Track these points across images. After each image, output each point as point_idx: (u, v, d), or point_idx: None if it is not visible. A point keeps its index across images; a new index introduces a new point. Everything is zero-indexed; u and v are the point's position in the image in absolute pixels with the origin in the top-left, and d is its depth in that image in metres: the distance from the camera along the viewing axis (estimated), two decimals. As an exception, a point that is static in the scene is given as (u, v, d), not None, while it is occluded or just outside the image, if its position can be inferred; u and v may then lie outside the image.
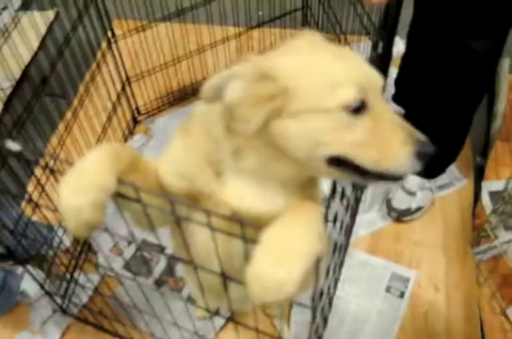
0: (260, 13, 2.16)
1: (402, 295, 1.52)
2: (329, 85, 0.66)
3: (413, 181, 1.67)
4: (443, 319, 1.48)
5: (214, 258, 0.76)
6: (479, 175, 1.77)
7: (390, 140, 0.69)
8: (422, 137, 0.71)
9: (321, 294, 0.89)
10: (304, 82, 0.67)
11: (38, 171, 1.54)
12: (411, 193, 1.67)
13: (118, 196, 0.69)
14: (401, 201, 1.67)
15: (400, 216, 1.66)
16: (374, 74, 0.71)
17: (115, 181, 0.68)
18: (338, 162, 0.70)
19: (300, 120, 0.67)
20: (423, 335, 1.45)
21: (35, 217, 1.42)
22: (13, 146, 0.88)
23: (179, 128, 0.84)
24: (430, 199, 1.69)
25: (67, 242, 1.60)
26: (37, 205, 1.35)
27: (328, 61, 0.70)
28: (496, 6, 1.24)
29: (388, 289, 1.53)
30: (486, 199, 1.69)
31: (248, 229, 0.63)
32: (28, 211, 1.43)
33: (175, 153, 0.82)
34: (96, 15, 1.71)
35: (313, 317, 0.98)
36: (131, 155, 0.75)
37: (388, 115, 0.70)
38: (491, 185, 1.71)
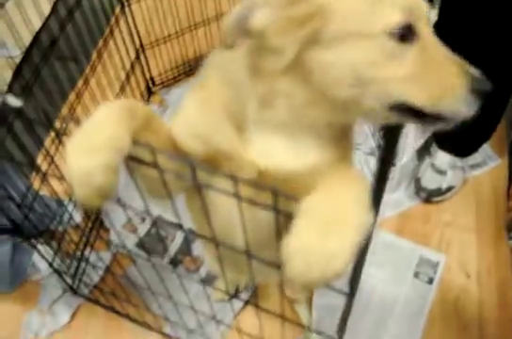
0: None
1: (431, 281, 1.40)
2: (373, 5, 0.55)
3: (444, 159, 1.55)
4: (475, 307, 1.36)
5: (237, 231, 0.66)
6: (514, 152, 1.63)
7: (444, 74, 0.59)
8: (476, 72, 0.59)
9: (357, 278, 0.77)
10: (343, 1, 0.56)
11: (47, 141, 1.44)
12: (442, 172, 1.55)
13: (132, 159, 0.58)
14: (431, 181, 1.54)
15: (429, 196, 1.54)
16: (421, 0, 0.59)
17: (129, 140, 0.57)
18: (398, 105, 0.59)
19: (340, 48, 0.56)
20: (452, 323, 1.34)
21: (44, 191, 1.31)
22: (14, 101, 0.77)
23: (192, 84, 0.71)
24: (462, 178, 1.56)
25: (77, 217, 1.49)
26: (45, 176, 1.24)
27: None
28: None
29: (416, 275, 1.41)
30: (521, 179, 1.56)
31: (280, 197, 0.51)
32: (36, 184, 1.31)
33: (188, 111, 0.71)
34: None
35: (349, 305, 0.85)
36: (145, 112, 0.64)
37: (438, 46, 0.60)
38: (528, 164, 1.58)
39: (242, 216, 0.60)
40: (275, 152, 0.65)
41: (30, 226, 1.22)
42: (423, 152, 1.62)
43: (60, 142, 1.34)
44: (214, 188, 0.58)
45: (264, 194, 0.52)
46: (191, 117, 0.70)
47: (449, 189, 1.54)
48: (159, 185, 0.62)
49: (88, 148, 0.55)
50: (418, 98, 0.58)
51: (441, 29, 0.68)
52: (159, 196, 0.72)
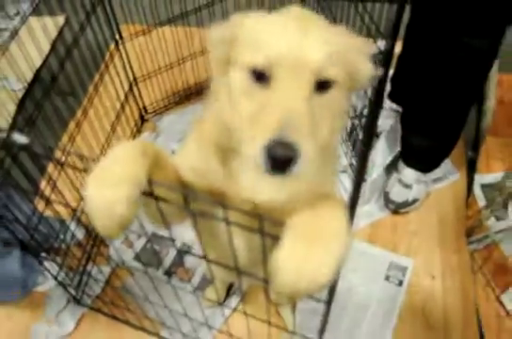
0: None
1: (400, 283, 1.51)
2: (255, 45, 0.62)
3: (409, 174, 1.67)
4: (440, 306, 1.47)
5: (236, 249, 0.71)
6: (471, 169, 1.76)
7: (262, 122, 0.59)
8: (286, 138, 0.56)
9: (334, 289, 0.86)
10: (244, 35, 0.64)
11: (49, 167, 1.54)
12: (408, 186, 1.66)
13: (147, 194, 0.63)
14: (398, 194, 1.66)
15: (397, 208, 1.65)
16: (304, 56, 0.60)
17: (146, 176, 0.62)
18: None
19: (234, 70, 0.65)
20: (421, 322, 1.44)
21: (47, 212, 1.41)
22: (20, 138, 0.84)
23: (194, 120, 0.79)
24: (425, 191, 1.68)
25: (79, 236, 1.58)
26: (48, 201, 1.34)
27: (275, 25, 0.64)
28: (493, 4, 1.22)
29: (387, 278, 1.52)
30: (478, 191, 1.68)
31: (267, 223, 0.57)
32: (40, 206, 1.42)
33: (187, 147, 0.78)
34: (104, 18, 1.69)
35: (327, 311, 0.91)
36: (155, 151, 0.69)
37: (283, 98, 0.59)
38: (483, 177, 1.71)
39: (230, 238, 0.67)
40: (262, 186, 0.67)
41: (36, 244, 1.32)
42: (390, 168, 1.74)
43: (62, 169, 1.45)
44: (208, 216, 0.67)
45: (255, 220, 0.57)
46: (189, 153, 0.76)
47: (414, 201, 1.65)
48: (160, 214, 0.68)
49: (111, 182, 0.59)
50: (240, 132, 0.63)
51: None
52: (160, 224, 0.74)
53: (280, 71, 0.60)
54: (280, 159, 0.56)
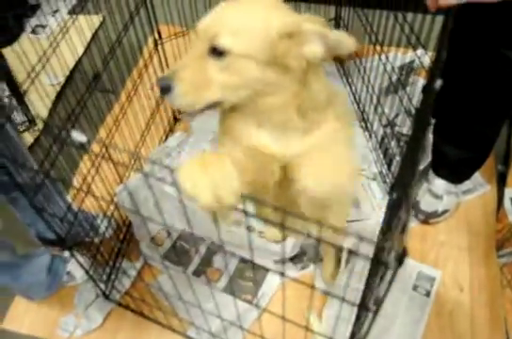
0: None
1: (428, 294, 1.44)
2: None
3: (440, 185, 1.60)
4: (468, 319, 1.39)
5: None
6: (501, 182, 1.67)
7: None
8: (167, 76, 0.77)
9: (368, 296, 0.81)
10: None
11: (85, 161, 1.49)
12: (438, 196, 1.59)
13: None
14: (428, 204, 1.59)
15: (427, 218, 1.58)
16: (206, 26, 0.75)
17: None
18: None
19: None
20: (447, 334, 1.37)
21: (81, 206, 1.35)
22: (79, 137, 0.81)
23: None
24: (456, 202, 1.60)
25: (111, 230, 1.52)
26: (86, 194, 1.28)
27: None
28: None
29: (415, 288, 1.45)
30: (508, 204, 1.60)
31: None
32: (73, 199, 1.37)
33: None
34: (146, 19, 1.64)
35: (359, 316, 0.88)
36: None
37: (184, 56, 0.79)
38: (513, 191, 1.62)
39: None
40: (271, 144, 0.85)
41: (70, 238, 1.26)
42: (420, 178, 1.67)
43: (99, 164, 1.40)
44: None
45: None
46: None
47: (444, 212, 1.58)
48: None
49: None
50: None
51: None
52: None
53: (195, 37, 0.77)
54: (161, 87, 0.76)
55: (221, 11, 0.75)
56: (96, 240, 1.45)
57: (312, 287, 1.32)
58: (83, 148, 0.84)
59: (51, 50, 1.24)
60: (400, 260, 0.86)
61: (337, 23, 2.02)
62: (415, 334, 1.36)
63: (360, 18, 1.79)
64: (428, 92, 0.61)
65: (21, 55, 1.64)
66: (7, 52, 1.94)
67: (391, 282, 0.91)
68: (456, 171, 1.59)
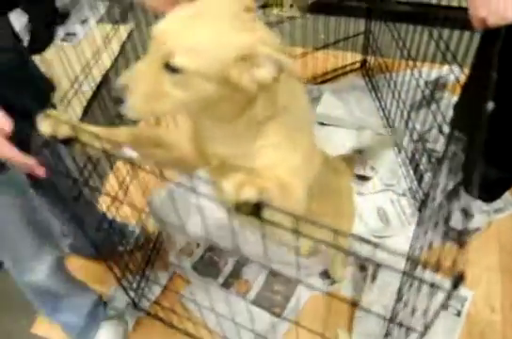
0: (322, 36, 2.06)
1: (459, 314, 1.39)
2: None
3: (471, 203, 1.55)
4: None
5: None
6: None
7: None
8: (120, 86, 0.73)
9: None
10: None
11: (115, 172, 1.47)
12: (469, 215, 1.56)
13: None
14: (459, 222, 1.54)
15: (458, 236, 1.54)
16: (163, 40, 0.72)
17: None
18: None
19: None
20: (479, 354, 1.32)
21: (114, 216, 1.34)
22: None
23: None
24: (486, 221, 1.56)
25: (142, 238, 1.50)
26: (121, 202, 1.26)
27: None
28: None
29: (445, 307, 1.40)
30: (541, 221, 1.56)
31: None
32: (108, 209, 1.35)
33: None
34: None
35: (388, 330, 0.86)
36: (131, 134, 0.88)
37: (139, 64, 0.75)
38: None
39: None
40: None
41: (105, 248, 1.24)
42: (451, 196, 1.63)
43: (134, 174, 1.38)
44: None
45: None
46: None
47: (475, 230, 1.54)
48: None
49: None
50: None
51: None
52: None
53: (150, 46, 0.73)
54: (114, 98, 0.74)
55: (178, 21, 0.72)
56: (127, 249, 1.43)
57: (342, 301, 1.30)
58: (130, 161, 0.82)
59: (93, 60, 1.22)
60: (455, 283, 0.82)
61: (366, 37, 1.99)
62: (446, 354, 1.32)
63: (391, 32, 1.76)
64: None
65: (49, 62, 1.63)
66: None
67: (443, 305, 0.87)
68: (488, 190, 1.55)
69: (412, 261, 1.26)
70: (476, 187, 1.55)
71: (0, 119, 0.74)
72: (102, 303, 1.37)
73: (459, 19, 1.34)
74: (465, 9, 1.08)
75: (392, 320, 0.80)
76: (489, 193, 1.55)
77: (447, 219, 1.56)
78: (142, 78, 0.73)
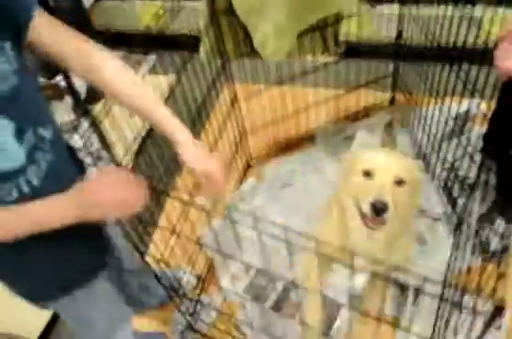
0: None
1: (499, 327, 1.39)
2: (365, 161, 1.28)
3: (503, 225, 1.59)
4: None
5: None
6: None
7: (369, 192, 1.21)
8: (383, 198, 1.17)
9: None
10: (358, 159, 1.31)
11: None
12: (501, 236, 1.58)
13: None
14: (491, 243, 1.58)
15: (490, 256, 1.56)
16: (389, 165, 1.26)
17: None
18: None
19: (354, 174, 1.28)
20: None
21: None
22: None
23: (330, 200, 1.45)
24: None
25: (193, 282, 1.61)
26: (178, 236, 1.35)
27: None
28: None
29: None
30: None
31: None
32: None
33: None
34: (225, 81, 1.78)
35: None
36: None
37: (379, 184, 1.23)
38: None
39: None
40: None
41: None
42: (484, 219, 1.65)
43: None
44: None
45: None
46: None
47: (506, 251, 1.55)
48: None
49: None
50: None
51: None
52: None
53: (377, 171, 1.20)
54: (379, 207, 1.12)
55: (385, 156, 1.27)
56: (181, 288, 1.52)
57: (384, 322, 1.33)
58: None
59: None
60: (496, 311, 0.83)
61: (394, 78, 2.09)
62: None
63: (416, 71, 1.85)
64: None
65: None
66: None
67: (484, 332, 0.90)
68: None
69: (449, 285, 1.29)
70: (507, 210, 1.58)
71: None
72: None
73: (476, 55, 1.41)
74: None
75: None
76: None
77: (486, 243, 1.58)
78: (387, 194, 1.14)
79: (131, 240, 1.09)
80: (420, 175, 1.25)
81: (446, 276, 1.51)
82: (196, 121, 1.64)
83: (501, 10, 1.98)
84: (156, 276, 1.19)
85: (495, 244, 1.57)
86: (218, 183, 0.92)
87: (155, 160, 1.64)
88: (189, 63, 1.63)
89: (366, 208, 1.13)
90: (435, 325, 1.23)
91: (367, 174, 1.18)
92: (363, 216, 1.17)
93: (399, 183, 1.16)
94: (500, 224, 1.60)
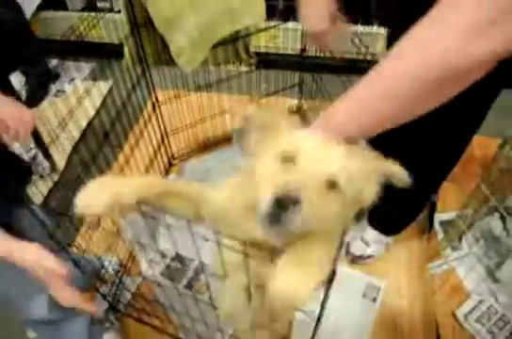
0: (263, 86, 2.36)
1: (375, 300, 1.62)
2: (289, 141, 0.73)
3: (371, 235, 1.70)
4: (406, 319, 1.59)
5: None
6: (432, 209, 1.89)
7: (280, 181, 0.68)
8: (293, 192, 0.63)
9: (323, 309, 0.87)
10: (281, 133, 0.76)
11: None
12: (367, 243, 1.70)
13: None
14: (357, 248, 1.71)
15: (353, 259, 1.72)
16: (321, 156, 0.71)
17: (133, 197, 0.74)
18: None
19: (267, 154, 0.76)
20: (390, 330, 1.55)
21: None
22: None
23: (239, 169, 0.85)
24: (383, 249, 1.72)
25: (116, 267, 1.72)
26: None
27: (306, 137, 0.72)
28: None
29: (364, 295, 1.64)
30: (437, 226, 1.81)
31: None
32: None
33: (225, 189, 0.82)
34: (145, 86, 1.90)
35: (317, 325, 0.95)
36: (163, 186, 0.80)
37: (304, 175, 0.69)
38: (441, 215, 1.84)
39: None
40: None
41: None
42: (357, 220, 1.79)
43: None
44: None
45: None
46: (223, 194, 0.81)
47: (369, 257, 1.71)
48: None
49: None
50: None
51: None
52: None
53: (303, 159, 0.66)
54: (285, 202, 0.61)
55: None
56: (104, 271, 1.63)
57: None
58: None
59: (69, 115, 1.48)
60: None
61: (300, 88, 2.31)
62: (364, 332, 1.54)
63: (316, 82, 2.07)
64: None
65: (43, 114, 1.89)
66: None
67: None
68: (388, 225, 1.68)
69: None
70: (379, 222, 1.69)
71: (54, 260, 0.82)
72: (96, 320, 1.52)
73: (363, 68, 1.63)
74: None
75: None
76: (389, 228, 1.69)
77: (348, 244, 1.73)
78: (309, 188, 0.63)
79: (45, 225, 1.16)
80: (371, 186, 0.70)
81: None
82: (117, 124, 1.75)
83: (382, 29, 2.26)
84: (73, 260, 1.29)
85: (359, 249, 1.71)
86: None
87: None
88: (117, 70, 1.74)
89: (265, 203, 0.62)
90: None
91: (287, 160, 0.66)
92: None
93: (331, 185, 0.65)
94: (369, 233, 1.71)
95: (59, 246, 1.19)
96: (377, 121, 0.67)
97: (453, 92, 0.62)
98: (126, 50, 1.82)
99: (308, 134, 0.70)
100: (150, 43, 1.84)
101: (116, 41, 2.80)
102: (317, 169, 0.65)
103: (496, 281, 1.60)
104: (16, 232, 1.22)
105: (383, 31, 2.39)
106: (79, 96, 1.77)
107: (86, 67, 2.98)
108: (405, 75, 0.60)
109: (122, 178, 0.77)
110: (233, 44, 2.01)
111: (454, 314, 1.56)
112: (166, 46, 1.84)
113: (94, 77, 2.83)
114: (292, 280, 0.64)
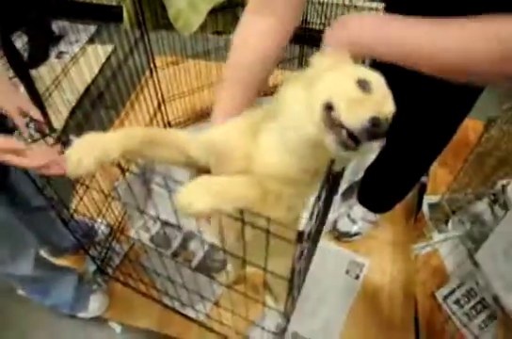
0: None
1: (357, 277, 1.63)
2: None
3: (358, 212, 1.69)
4: (387, 296, 1.60)
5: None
6: (422, 191, 1.87)
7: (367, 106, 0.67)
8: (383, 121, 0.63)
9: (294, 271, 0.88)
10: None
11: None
12: (354, 221, 1.69)
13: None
14: (343, 225, 1.70)
15: (340, 236, 1.71)
16: None
17: (119, 150, 0.72)
18: None
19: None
20: (370, 307, 1.56)
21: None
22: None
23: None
24: (370, 227, 1.71)
25: (106, 231, 1.70)
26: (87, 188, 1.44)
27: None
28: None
29: (347, 272, 1.64)
30: (425, 208, 1.80)
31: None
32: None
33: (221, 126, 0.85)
34: (143, 51, 1.83)
35: (291, 288, 0.98)
36: (148, 134, 0.78)
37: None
38: (430, 198, 1.82)
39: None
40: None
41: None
42: (346, 195, 1.80)
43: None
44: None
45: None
46: (219, 129, 0.85)
47: (356, 234, 1.70)
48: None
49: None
50: None
51: None
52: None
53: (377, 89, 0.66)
54: (377, 132, 0.60)
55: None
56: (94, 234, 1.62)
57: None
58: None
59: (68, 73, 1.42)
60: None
61: (300, 61, 2.23)
62: (345, 306, 1.55)
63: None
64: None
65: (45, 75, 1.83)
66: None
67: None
68: (377, 203, 1.66)
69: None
70: (367, 198, 1.66)
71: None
72: (85, 281, 1.54)
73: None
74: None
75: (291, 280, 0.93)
76: (378, 205, 1.67)
77: (335, 221, 1.72)
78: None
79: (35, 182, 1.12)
80: None
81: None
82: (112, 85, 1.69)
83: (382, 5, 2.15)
84: (64, 220, 1.27)
85: (346, 225, 1.70)
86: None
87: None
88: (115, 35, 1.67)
89: (361, 124, 0.59)
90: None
91: (362, 86, 0.64)
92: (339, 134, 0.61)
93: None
94: (356, 210, 1.70)
95: (50, 202, 1.17)
96: (414, 60, 0.69)
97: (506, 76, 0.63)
98: (125, 13, 1.74)
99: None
100: (149, 7, 1.75)
101: (114, 3, 2.72)
102: (389, 107, 0.66)
103: (475, 264, 1.60)
104: (10, 186, 1.20)
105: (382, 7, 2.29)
106: (77, 59, 1.71)
107: (86, 30, 2.88)
108: (487, 38, 0.60)
109: (108, 133, 0.74)
110: (233, 10, 1.92)
111: (433, 295, 1.57)
112: (165, 10, 1.76)
113: (93, 40, 2.74)
114: (195, 190, 0.63)
